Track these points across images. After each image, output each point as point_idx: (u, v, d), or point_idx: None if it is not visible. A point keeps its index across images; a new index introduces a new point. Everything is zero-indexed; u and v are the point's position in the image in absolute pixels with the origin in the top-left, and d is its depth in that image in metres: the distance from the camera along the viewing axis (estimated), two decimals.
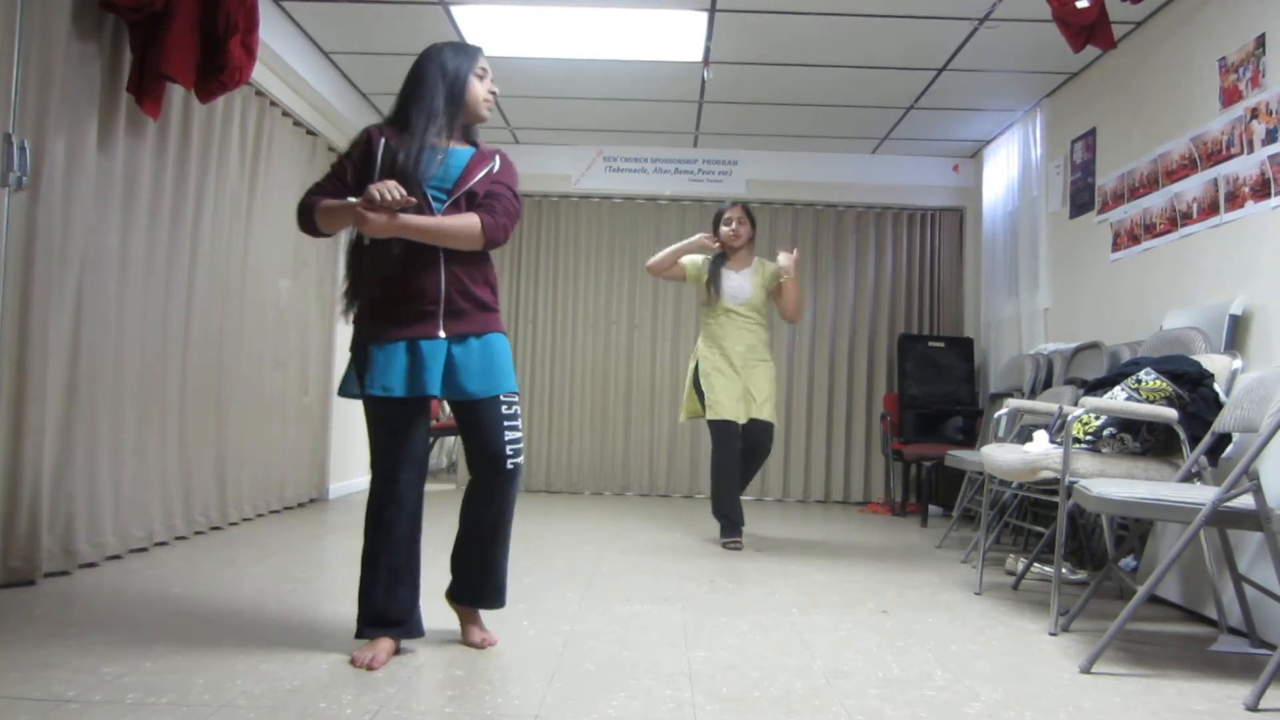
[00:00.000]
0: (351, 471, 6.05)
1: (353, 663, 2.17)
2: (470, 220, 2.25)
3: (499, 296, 2.41)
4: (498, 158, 2.42)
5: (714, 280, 4.29)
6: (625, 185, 6.57)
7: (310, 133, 5.15)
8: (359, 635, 2.26)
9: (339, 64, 5.10)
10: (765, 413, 4.21)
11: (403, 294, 2.26)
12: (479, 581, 2.42)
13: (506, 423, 2.31)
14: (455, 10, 4.36)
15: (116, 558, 3.36)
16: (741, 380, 4.23)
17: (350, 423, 5.97)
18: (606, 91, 5.44)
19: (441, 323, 2.27)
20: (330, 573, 3.40)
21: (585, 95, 5.52)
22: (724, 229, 4.33)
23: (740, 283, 4.30)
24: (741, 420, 4.20)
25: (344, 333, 5.71)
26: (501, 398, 2.31)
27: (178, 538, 3.80)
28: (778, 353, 6.11)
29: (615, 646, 2.43)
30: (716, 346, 4.28)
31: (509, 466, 2.31)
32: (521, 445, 2.36)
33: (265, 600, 2.81)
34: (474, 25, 4.53)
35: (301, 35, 4.66)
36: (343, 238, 2.47)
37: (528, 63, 5.01)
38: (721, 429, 4.20)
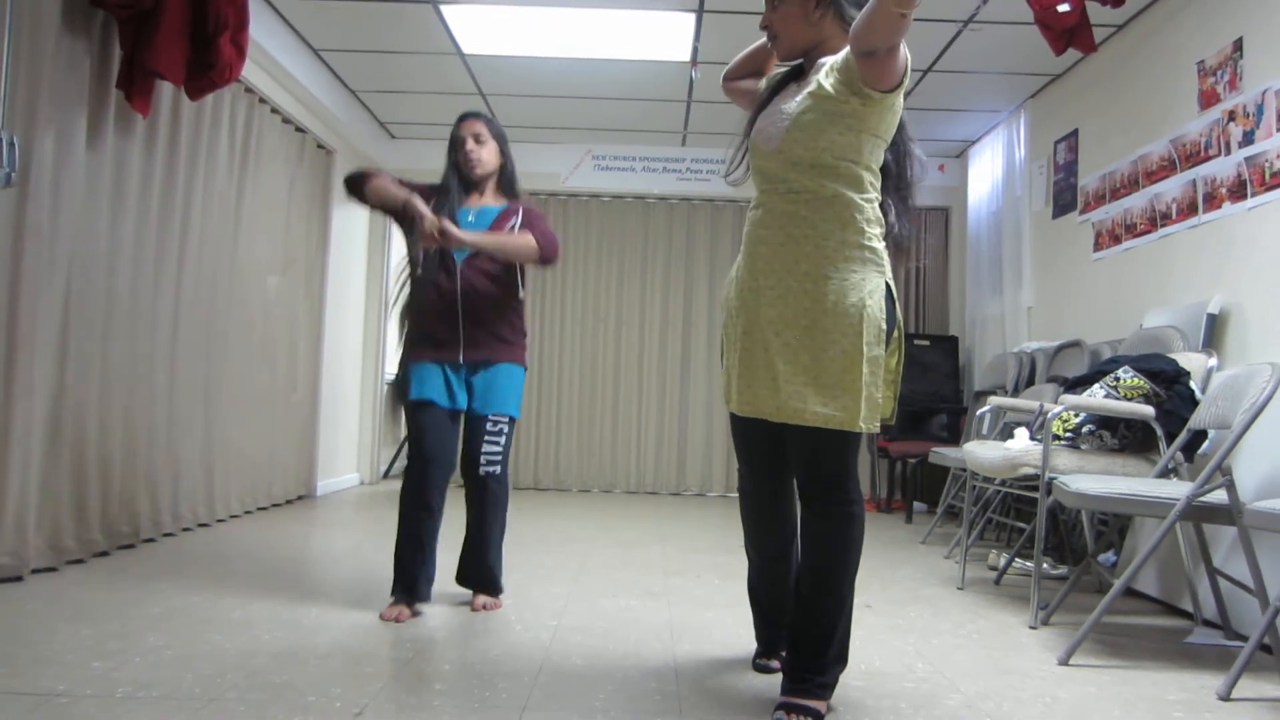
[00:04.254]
0: (339, 469, 6.07)
1: (382, 618, 2.59)
2: (526, 238, 2.69)
3: (525, 335, 2.86)
4: (521, 210, 2.82)
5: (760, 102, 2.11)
6: (613, 184, 6.60)
7: (300, 130, 5.16)
8: (393, 594, 2.69)
9: (329, 62, 5.11)
10: (808, 405, 1.87)
11: (432, 331, 2.74)
12: (473, 569, 2.83)
13: (488, 437, 2.74)
14: (445, 9, 4.38)
15: (104, 554, 3.37)
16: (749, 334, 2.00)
17: (338, 420, 5.99)
18: (595, 90, 5.47)
19: (462, 351, 2.73)
20: (318, 569, 3.42)
21: (574, 94, 5.55)
22: None
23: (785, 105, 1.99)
24: (747, 412, 2.01)
25: (332, 330, 5.77)
26: (490, 416, 2.74)
27: (165, 535, 3.81)
28: None
29: (602, 640, 2.46)
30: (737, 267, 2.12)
31: (481, 473, 2.74)
32: (499, 457, 2.75)
33: (253, 596, 2.83)
34: (464, 24, 4.55)
35: (291, 33, 4.67)
36: (360, 242, 2.63)
37: (516, 61, 5.03)
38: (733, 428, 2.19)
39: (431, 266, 2.72)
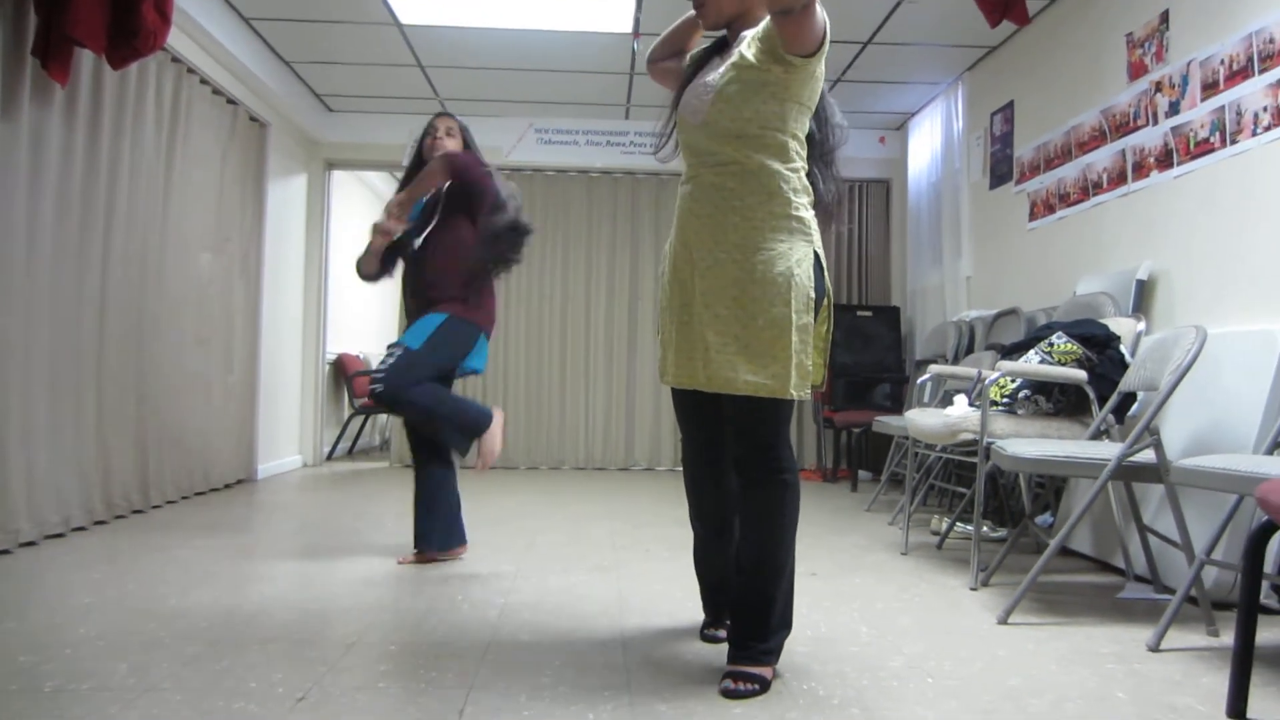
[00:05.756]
0: (281, 451, 5.95)
1: (400, 562, 3.08)
2: (432, 164, 3.03)
3: (472, 294, 3.07)
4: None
5: (685, 76, 2.11)
6: (557, 158, 6.53)
7: (231, 102, 5.00)
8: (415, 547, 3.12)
9: (261, 31, 4.95)
10: (739, 374, 1.88)
11: (408, 306, 3.21)
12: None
13: (384, 359, 2.95)
14: None
15: (31, 544, 3.26)
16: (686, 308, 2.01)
17: (278, 401, 5.87)
18: (537, 62, 5.39)
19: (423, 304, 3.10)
20: (258, 554, 3.35)
21: (516, 66, 5.46)
22: None
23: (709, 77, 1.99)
24: (683, 384, 2.02)
25: (271, 308, 5.64)
26: (388, 348, 3.01)
27: (97, 522, 3.70)
28: None
29: (550, 616, 2.45)
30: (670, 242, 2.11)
31: (372, 388, 2.93)
32: (380, 376, 2.89)
33: (190, 582, 2.76)
34: None
35: (220, 0, 4.51)
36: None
37: (457, 32, 4.93)
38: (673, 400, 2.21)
39: (406, 254, 3.16)
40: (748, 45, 1.88)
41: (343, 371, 7.26)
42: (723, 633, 2.19)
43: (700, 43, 2.18)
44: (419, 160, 3.17)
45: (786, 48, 1.79)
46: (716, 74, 1.93)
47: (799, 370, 1.87)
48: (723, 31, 2.04)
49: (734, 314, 1.88)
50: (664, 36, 2.21)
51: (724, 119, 1.89)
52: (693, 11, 2.10)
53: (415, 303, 3.12)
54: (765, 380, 1.85)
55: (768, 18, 1.81)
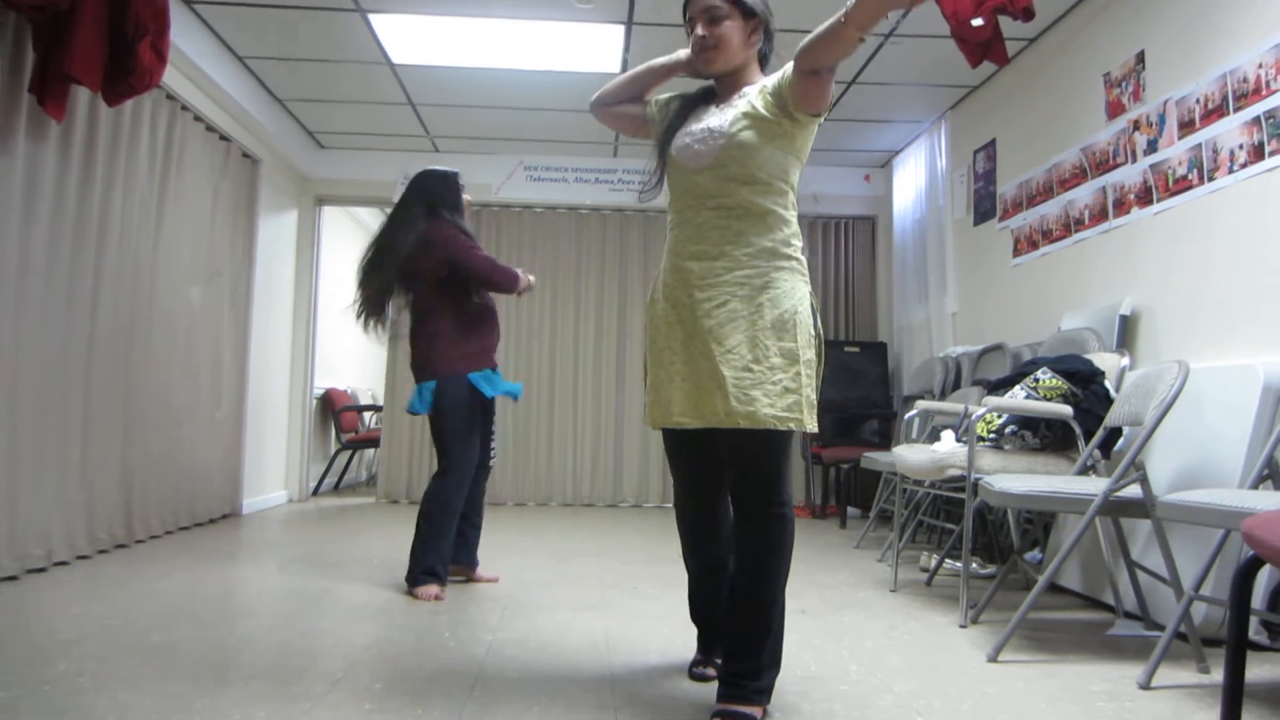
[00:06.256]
0: (267, 486, 5.91)
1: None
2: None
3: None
4: None
5: (672, 122, 2.14)
6: (546, 195, 6.58)
7: (224, 138, 5.03)
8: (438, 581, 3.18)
9: (255, 70, 5.00)
10: (758, 408, 1.90)
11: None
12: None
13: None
14: (374, 18, 4.33)
15: (12, 579, 3.21)
16: (689, 345, 2.01)
17: (265, 436, 5.83)
18: (527, 101, 5.45)
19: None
20: (242, 589, 3.32)
21: (505, 105, 5.52)
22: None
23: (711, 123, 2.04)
24: (694, 423, 1.99)
25: (259, 342, 5.63)
26: None
27: (80, 557, 3.66)
28: None
29: (538, 654, 2.43)
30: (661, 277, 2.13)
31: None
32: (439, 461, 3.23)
33: (174, 619, 2.72)
34: (393, 34, 4.50)
35: (216, 39, 4.56)
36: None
37: (447, 72, 4.99)
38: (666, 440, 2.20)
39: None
40: (758, 97, 1.97)
41: (330, 406, 7.23)
42: (711, 671, 2.18)
43: (663, 89, 2.22)
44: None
45: (800, 105, 1.89)
46: (723, 121, 1.99)
47: (808, 403, 1.92)
48: (708, 80, 2.12)
49: (748, 350, 1.91)
50: (627, 79, 2.23)
51: (735, 164, 1.96)
52: (676, 56, 2.16)
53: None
54: (782, 413, 1.88)
55: (780, 74, 1.92)
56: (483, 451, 3.37)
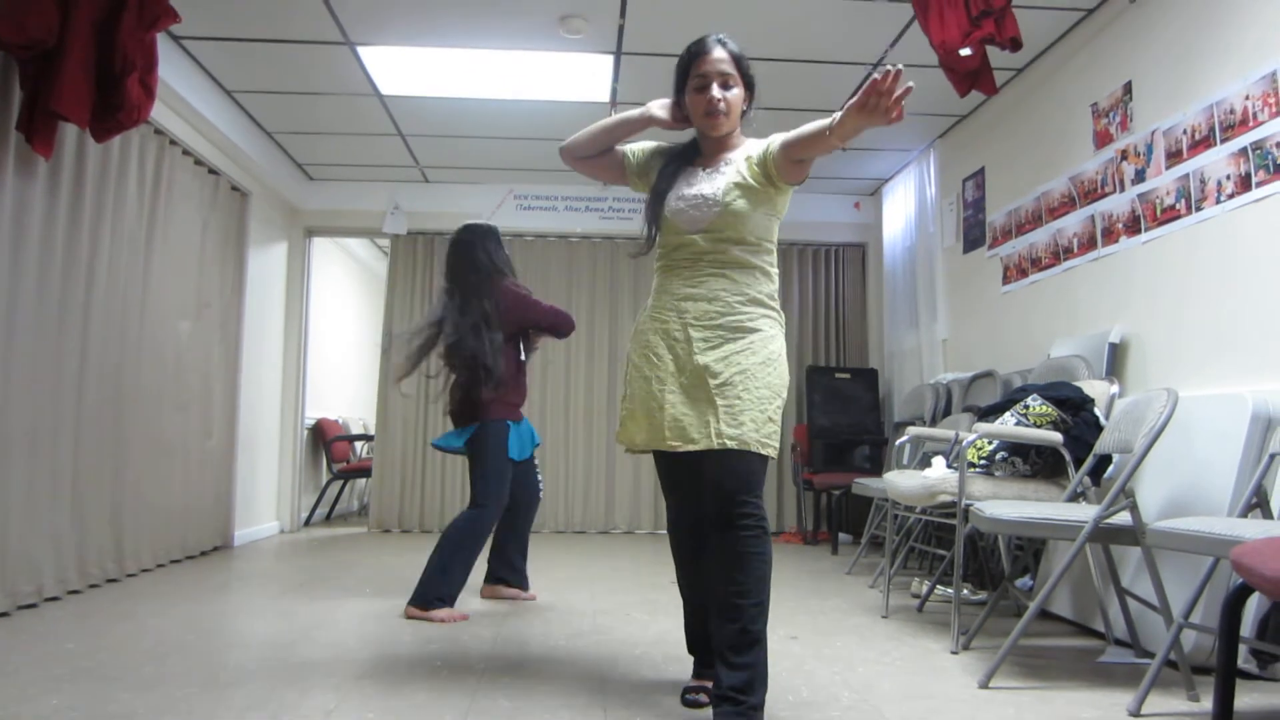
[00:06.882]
0: (259, 517, 5.88)
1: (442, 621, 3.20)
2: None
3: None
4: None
5: (661, 185, 2.27)
6: (536, 223, 6.62)
7: (213, 172, 5.05)
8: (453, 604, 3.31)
9: (243, 103, 5.03)
10: (744, 431, 2.09)
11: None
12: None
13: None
14: (362, 50, 4.37)
15: (4, 615, 3.19)
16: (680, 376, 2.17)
17: (257, 468, 5.81)
18: (517, 131, 5.50)
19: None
20: (234, 622, 3.29)
21: (495, 134, 5.57)
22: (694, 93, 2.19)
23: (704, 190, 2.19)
24: (691, 447, 2.13)
25: (250, 374, 5.62)
26: None
27: (71, 592, 3.63)
28: None
29: (531, 681, 2.42)
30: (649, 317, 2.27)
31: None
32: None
33: (166, 653, 2.70)
34: (381, 66, 4.54)
35: (203, 74, 4.59)
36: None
37: (436, 102, 5.03)
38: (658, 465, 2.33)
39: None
40: (744, 166, 2.16)
41: (321, 436, 7.21)
42: (704, 697, 2.19)
43: (636, 138, 2.32)
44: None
45: (784, 178, 2.14)
46: (715, 189, 2.15)
47: (778, 436, 2.13)
48: (689, 133, 2.28)
49: (740, 383, 2.10)
50: (600, 131, 2.29)
51: (729, 230, 2.15)
52: (650, 111, 2.26)
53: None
54: (765, 439, 2.08)
55: (764, 146, 2.13)
56: (529, 489, 3.74)
